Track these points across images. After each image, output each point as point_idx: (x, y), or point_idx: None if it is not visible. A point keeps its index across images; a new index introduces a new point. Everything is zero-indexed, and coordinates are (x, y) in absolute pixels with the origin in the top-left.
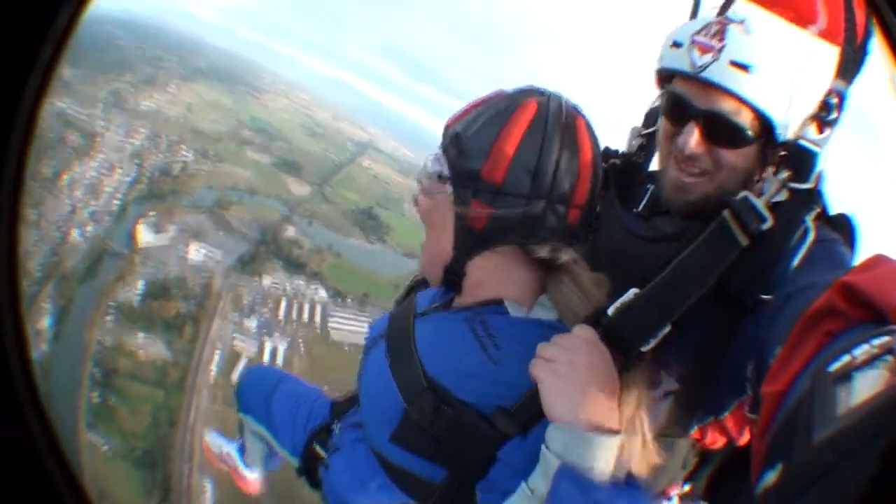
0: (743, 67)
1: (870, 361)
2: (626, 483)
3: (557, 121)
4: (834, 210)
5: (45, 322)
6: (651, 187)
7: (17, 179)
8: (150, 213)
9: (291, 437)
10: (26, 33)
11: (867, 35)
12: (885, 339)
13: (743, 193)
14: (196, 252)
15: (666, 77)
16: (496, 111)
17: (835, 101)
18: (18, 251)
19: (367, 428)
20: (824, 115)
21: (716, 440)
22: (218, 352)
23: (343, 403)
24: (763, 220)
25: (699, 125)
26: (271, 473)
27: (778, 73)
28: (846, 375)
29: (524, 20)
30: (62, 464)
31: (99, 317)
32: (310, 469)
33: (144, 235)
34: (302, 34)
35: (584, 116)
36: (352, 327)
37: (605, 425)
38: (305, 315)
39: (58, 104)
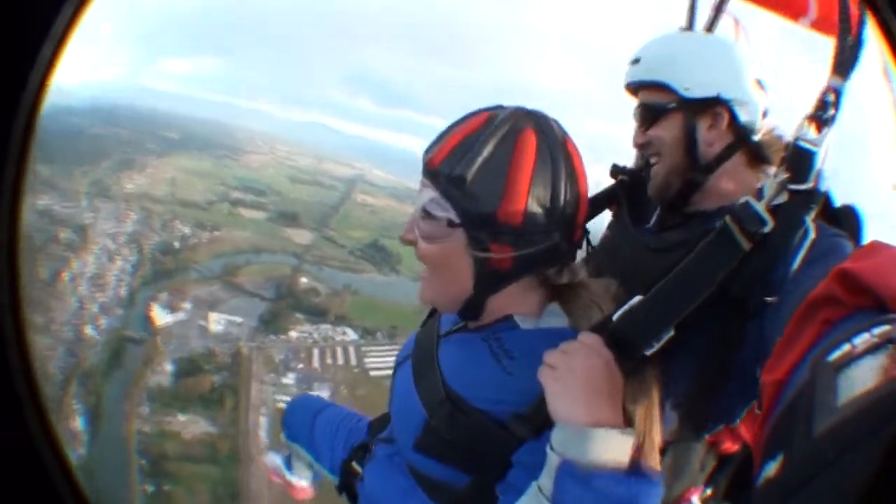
0: (635, 62)
1: (870, 351)
2: (633, 473)
3: (557, 147)
4: (839, 202)
5: (78, 423)
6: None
7: (19, 172)
8: (161, 294)
9: (331, 457)
10: (26, 33)
11: (861, 27)
12: (886, 327)
13: (744, 198)
14: (216, 322)
15: None
16: (496, 146)
17: (831, 98)
18: (20, 247)
19: (397, 440)
20: (821, 114)
21: (731, 446)
22: (263, 416)
23: (378, 421)
24: (764, 223)
25: (636, 119)
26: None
27: (657, 55)
28: (846, 365)
29: (479, 27)
30: (62, 463)
31: (134, 407)
32: (349, 485)
33: (160, 316)
34: (264, 87)
35: (567, 133)
36: (388, 360)
37: (602, 421)
38: (340, 359)
39: (40, 203)
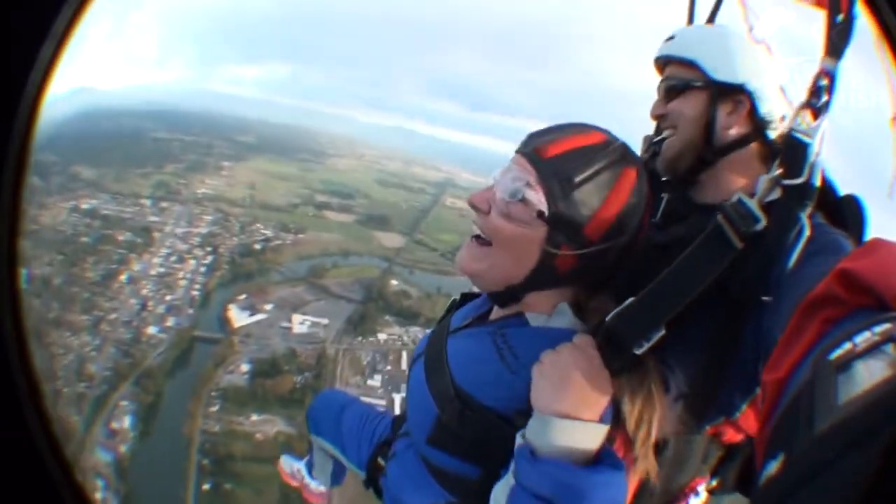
0: (669, 39)
1: (871, 349)
2: (592, 463)
3: (644, 194)
4: (842, 192)
5: (125, 422)
6: (665, 196)
7: (17, 179)
8: (240, 296)
9: (357, 452)
10: (26, 33)
11: (851, 2)
12: (886, 326)
13: (736, 195)
14: (300, 324)
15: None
16: (605, 167)
17: (825, 82)
18: (19, 251)
19: (412, 434)
20: (815, 101)
21: (734, 437)
22: None
23: (401, 418)
24: (756, 220)
25: (658, 92)
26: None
27: (693, 35)
28: (847, 364)
29: (557, 32)
30: (61, 462)
31: (200, 406)
32: (375, 480)
33: (238, 317)
34: (344, 91)
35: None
36: None
37: (573, 414)
38: None
39: (85, 204)
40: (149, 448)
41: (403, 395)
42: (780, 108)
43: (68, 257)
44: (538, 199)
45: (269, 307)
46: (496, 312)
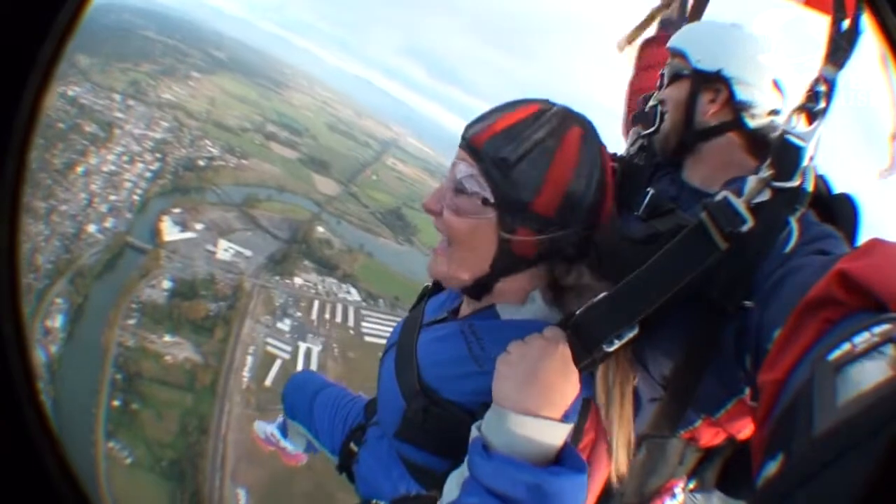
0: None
1: (870, 350)
2: (557, 465)
3: (596, 149)
4: (837, 190)
5: (57, 320)
6: (651, 190)
7: (18, 177)
8: (175, 209)
9: (330, 437)
10: (26, 33)
11: (858, 11)
12: (886, 326)
13: (722, 193)
14: (225, 250)
15: None
16: (543, 139)
17: (823, 88)
18: (19, 248)
19: (382, 426)
20: (811, 106)
21: (711, 441)
22: (250, 356)
23: (374, 403)
24: (742, 221)
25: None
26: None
27: (688, 29)
28: (846, 364)
29: (541, 23)
30: (58, 456)
31: (120, 317)
32: (347, 465)
33: (169, 231)
34: (323, 31)
35: (602, 142)
36: (385, 329)
37: (535, 411)
38: (339, 317)
39: (71, 91)
40: (73, 353)
41: (308, 344)
42: (768, 100)
43: (46, 142)
44: (480, 187)
45: (199, 227)
46: (468, 306)
